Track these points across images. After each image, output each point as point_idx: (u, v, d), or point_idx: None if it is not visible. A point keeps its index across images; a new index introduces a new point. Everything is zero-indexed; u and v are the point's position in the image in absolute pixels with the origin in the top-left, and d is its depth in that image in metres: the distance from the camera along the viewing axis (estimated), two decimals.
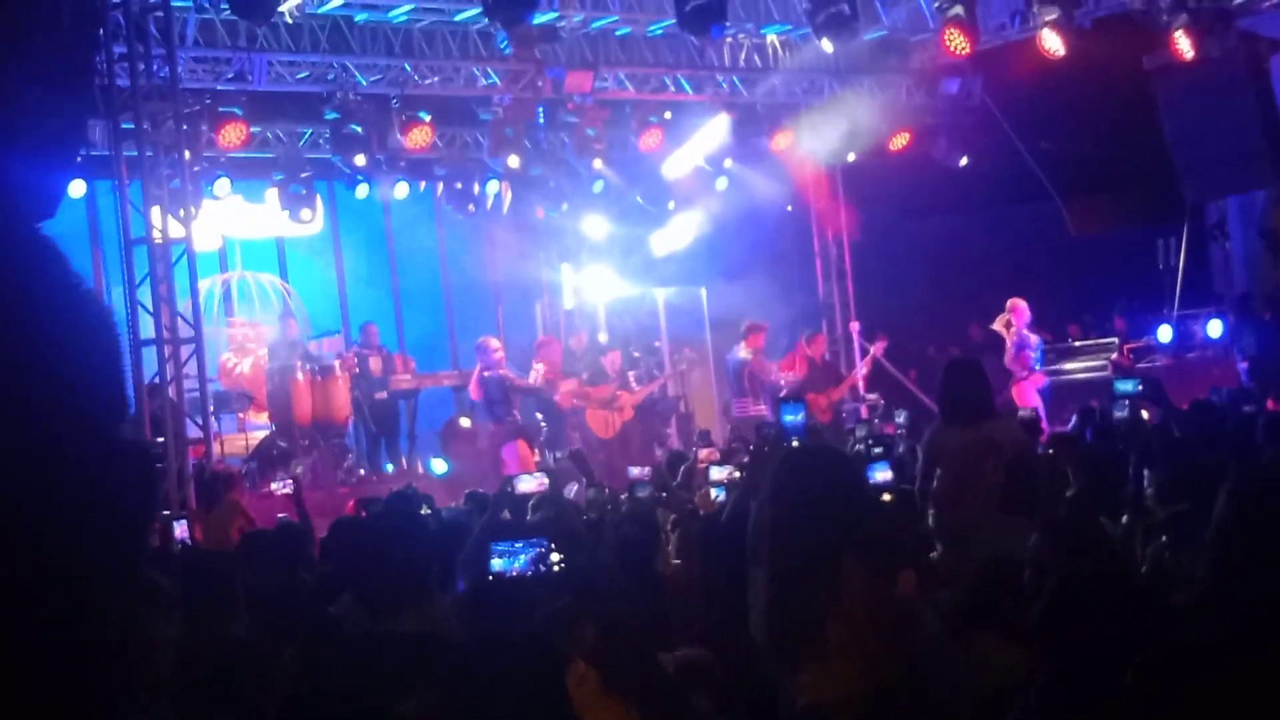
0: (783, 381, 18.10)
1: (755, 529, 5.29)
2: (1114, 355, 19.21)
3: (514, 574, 4.77)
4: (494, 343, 17.36)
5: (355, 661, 4.13)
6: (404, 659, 3.98)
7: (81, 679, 1.07)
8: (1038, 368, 17.47)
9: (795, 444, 5.36)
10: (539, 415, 18.00)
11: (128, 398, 1.21)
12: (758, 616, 4.99)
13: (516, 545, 4.87)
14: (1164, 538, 6.47)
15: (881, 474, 7.84)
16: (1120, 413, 10.71)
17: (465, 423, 18.22)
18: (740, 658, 5.06)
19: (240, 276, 19.28)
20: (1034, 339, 17.64)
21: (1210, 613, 3.74)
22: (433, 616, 4.28)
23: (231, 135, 16.12)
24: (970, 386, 7.73)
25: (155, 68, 14.39)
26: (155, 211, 14.35)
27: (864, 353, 20.64)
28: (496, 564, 4.80)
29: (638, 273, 21.16)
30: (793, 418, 5.44)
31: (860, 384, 20.17)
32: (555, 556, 4.95)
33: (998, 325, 17.70)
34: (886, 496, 7.15)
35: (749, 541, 5.29)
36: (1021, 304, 17.51)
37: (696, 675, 4.73)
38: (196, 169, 15.80)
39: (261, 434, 16.50)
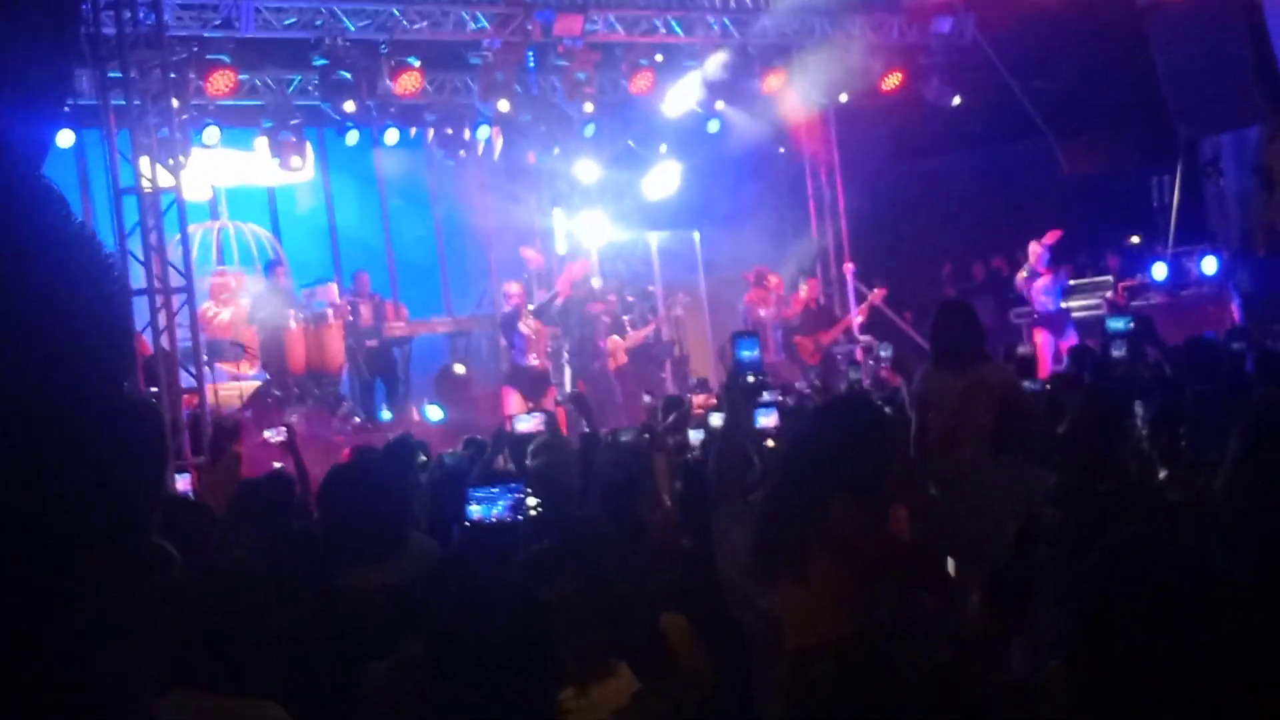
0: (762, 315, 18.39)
1: (729, 464, 5.33)
2: (1109, 293, 19.19)
3: (493, 520, 4.74)
4: (510, 288, 17.42)
5: (332, 616, 4.13)
6: (377, 613, 3.97)
7: (91, 646, 1.04)
8: (1052, 307, 17.64)
9: (750, 379, 5.35)
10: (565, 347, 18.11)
11: (133, 351, 1.15)
12: (740, 544, 5.05)
13: (494, 491, 4.84)
14: (1163, 474, 6.49)
15: (766, 419, 7.36)
16: (1118, 352, 10.71)
17: (460, 369, 18.22)
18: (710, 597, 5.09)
19: (223, 226, 19.19)
20: (1040, 281, 17.74)
21: (1224, 546, 3.76)
22: (405, 569, 4.28)
23: (219, 83, 16.00)
24: (960, 329, 7.71)
25: (141, 15, 14.28)
26: (144, 161, 14.28)
27: (859, 294, 20.66)
28: (475, 510, 4.77)
29: (631, 217, 21.10)
30: (748, 353, 5.43)
31: (855, 326, 20.18)
32: (532, 501, 4.93)
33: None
34: (770, 443, 6.95)
35: (718, 475, 5.34)
36: (1032, 245, 17.70)
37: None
38: (185, 117, 15.70)
39: (254, 384, 16.47)
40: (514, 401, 16.13)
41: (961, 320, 7.83)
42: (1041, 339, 17.22)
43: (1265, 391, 7.03)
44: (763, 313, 18.84)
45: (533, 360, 16.73)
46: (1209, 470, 6.03)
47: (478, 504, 4.81)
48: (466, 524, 4.77)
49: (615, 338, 18.50)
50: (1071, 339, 16.75)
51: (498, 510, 4.79)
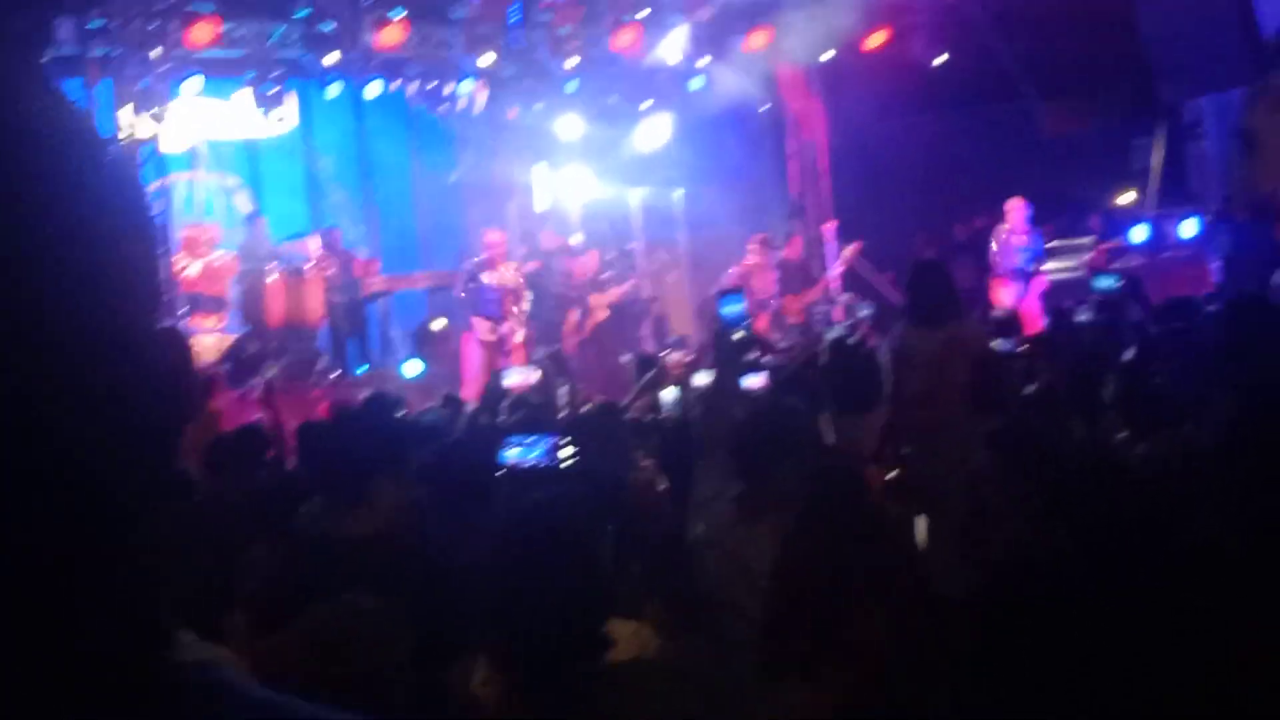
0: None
1: (716, 422, 5.34)
2: (1088, 255, 19.22)
3: (529, 465, 4.78)
4: (490, 237, 17.35)
5: (310, 561, 4.15)
6: (355, 559, 3.99)
7: (116, 581, 1.02)
8: (1028, 268, 17.74)
9: (736, 335, 5.40)
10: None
11: (159, 281, 1.13)
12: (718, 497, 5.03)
13: (532, 438, 4.88)
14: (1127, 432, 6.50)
15: (753, 381, 7.02)
16: (1083, 316, 10.73)
17: (438, 325, 18.17)
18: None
19: (197, 177, 18.99)
20: (1021, 240, 17.85)
21: (1215, 513, 3.80)
22: (383, 515, 4.30)
23: (201, 34, 15.85)
24: (936, 287, 7.73)
25: None
26: (125, 111, 14.21)
27: (838, 254, 20.63)
28: (512, 455, 4.80)
29: (613, 173, 21.01)
30: (732, 308, 5.50)
31: (834, 285, 20.17)
32: (567, 451, 4.96)
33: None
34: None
35: (705, 433, 5.35)
36: (1017, 202, 17.78)
37: None
38: (166, 68, 15.58)
39: (230, 338, 16.37)
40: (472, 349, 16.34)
41: (937, 279, 7.85)
42: (1007, 295, 17.28)
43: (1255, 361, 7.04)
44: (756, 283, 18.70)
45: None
46: (1174, 427, 6.06)
47: (517, 448, 4.84)
48: (504, 467, 4.81)
49: (596, 294, 18.47)
50: (1031, 302, 16.85)
51: (535, 455, 4.82)
